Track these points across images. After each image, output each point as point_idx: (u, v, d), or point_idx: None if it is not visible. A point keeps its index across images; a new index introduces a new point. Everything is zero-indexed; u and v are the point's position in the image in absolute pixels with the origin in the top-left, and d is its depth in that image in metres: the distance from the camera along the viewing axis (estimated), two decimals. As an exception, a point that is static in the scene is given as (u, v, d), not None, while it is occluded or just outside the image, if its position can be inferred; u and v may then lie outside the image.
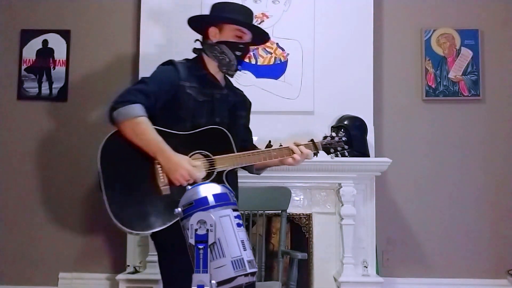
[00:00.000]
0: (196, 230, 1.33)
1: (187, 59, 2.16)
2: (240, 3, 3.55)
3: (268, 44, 3.54)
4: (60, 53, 3.79)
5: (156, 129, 1.91)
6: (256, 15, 3.54)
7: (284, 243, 2.77)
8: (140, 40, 3.61)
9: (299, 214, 3.41)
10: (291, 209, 3.19)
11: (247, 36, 2.12)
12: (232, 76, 2.17)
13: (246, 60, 3.58)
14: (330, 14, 3.58)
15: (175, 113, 1.99)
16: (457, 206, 3.67)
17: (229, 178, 1.97)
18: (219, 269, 1.32)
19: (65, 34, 3.80)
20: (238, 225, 1.38)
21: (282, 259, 2.76)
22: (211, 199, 1.40)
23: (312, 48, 3.54)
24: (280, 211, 2.74)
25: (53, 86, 3.78)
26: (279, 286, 2.80)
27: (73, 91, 3.79)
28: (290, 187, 2.90)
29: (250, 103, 2.31)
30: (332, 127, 3.34)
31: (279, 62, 3.55)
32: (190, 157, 1.92)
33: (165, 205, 1.85)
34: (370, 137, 3.41)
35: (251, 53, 3.58)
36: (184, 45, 3.55)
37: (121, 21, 3.80)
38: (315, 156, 2.14)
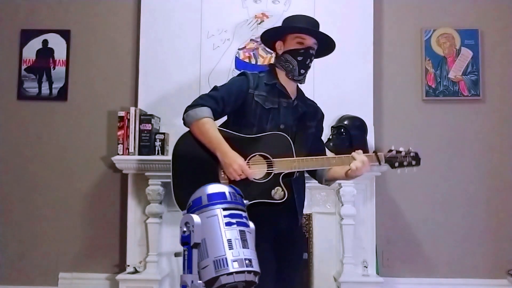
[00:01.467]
0: (184, 231, 1.39)
1: (261, 71, 2.32)
2: (240, 3, 3.61)
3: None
4: (60, 53, 3.79)
5: (222, 131, 2.10)
6: (256, 15, 3.56)
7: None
8: (140, 40, 3.61)
9: (299, 214, 3.40)
10: (291, 209, 3.18)
11: (309, 41, 2.22)
12: (300, 82, 2.29)
13: (246, 60, 3.59)
14: (330, 14, 3.57)
15: (244, 118, 2.17)
16: (457, 206, 3.67)
17: (289, 182, 2.09)
18: (204, 269, 1.35)
19: (65, 34, 3.80)
20: (228, 224, 1.39)
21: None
22: (204, 199, 1.44)
23: (312, 48, 3.53)
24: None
25: (53, 86, 3.78)
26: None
27: (73, 91, 3.79)
28: (290, 187, 2.89)
29: (322, 115, 2.43)
30: (332, 127, 3.36)
31: (279, 62, 3.55)
32: (250, 158, 2.07)
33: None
34: (370, 137, 3.42)
35: (251, 53, 3.58)
36: (184, 45, 3.59)
37: (121, 21, 3.80)
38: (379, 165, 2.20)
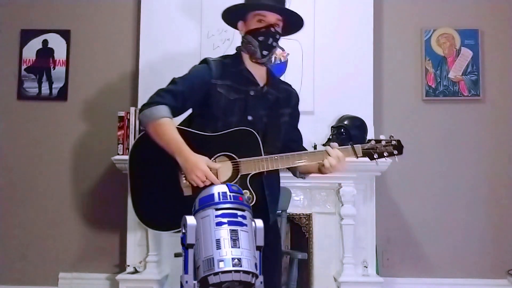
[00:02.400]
0: (183, 232, 1.40)
1: (226, 56, 2.12)
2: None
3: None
4: (60, 53, 3.79)
5: (182, 130, 1.92)
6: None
7: (284, 243, 2.77)
8: (140, 40, 3.61)
9: (299, 214, 3.41)
10: (291, 209, 3.18)
11: (270, 18, 2.01)
12: (265, 64, 2.08)
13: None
14: (330, 14, 3.58)
15: (208, 112, 1.98)
16: (457, 206, 3.67)
17: (260, 181, 1.93)
18: (198, 269, 1.36)
19: (65, 34, 3.80)
20: (219, 224, 1.38)
21: (282, 259, 2.76)
22: (199, 202, 1.45)
23: (312, 48, 3.53)
24: (280, 211, 2.73)
25: (53, 86, 3.78)
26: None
27: (73, 91, 3.79)
28: (290, 187, 2.89)
29: (297, 99, 2.21)
30: (332, 127, 3.36)
31: (279, 62, 3.55)
32: (215, 159, 1.90)
33: (187, 206, 1.83)
34: (370, 137, 3.41)
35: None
36: (184, 45, 3.58)
37: (121, 21, 3.80)
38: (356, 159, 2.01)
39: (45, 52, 3.79)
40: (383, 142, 2.00)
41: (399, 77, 3.75)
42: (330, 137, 3.36)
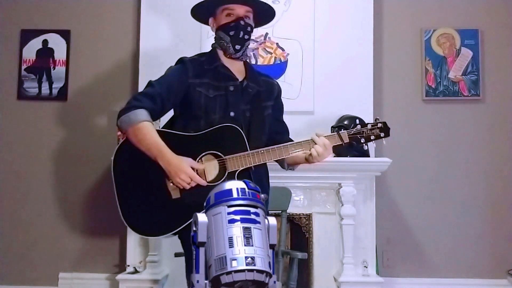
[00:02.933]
0: (193, 230, 1.36)
1: (201, 54, 2.10)
2: None
3: (268, 44, 3.55)
4: (60, 53, 3.79)
5: (164, 132, 1.90)
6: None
7: (284, 243, 2.77)
8: (140, 40, 3.61)
9: (299, 214, 3.41)
10: (291, 209, 3.18)
11: (238, 11, 1.98)
12: (240, 59, 2.04)
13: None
14: (330, 14, 3.58)
15: (189, 112, 1.96)
16: (457, 206, 3.67)
17: (247, 176, 1.90)
18: (210, 268, 1.32)
19: (65, 34, 3.80)
20: (231, 221, 1.34)
21: (282, 259, 2.76)
22: (212, 198, 1.40)
23: (312, 48, 3.54)
24: (280, 211, 2.74)
25: (53, 86, 3.78)
26: (279, 286, 2.80)
27: (73, 91, 3.79)
28: (290, 187, 2.89)
29: (278, 90, 2.17)
30: (332, 127, 3.36)
31: (279, 62, 3.55)
32: (201, 158, 1.88)
33: (177, 209, 1.85)
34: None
35: (251, 53, 3.57)
36: (184, 45, 3.58)
37: (121, 21, 3.80)
38: (343, 145, 1.97)
39: (45, 52, 3.79)
40: (369, 126, 1.96)
41: (399, 77, 3.74)
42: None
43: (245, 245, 1.31)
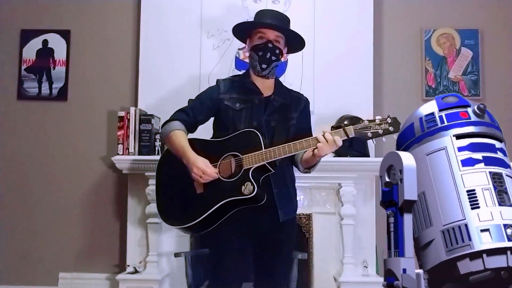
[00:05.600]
0: (385, 183, 0.84)
1: (238, 74, 2.39)
2: (240, 3, 3.61)
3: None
4: (60, 53, 3.79)
5: (194, 139, 2.17)
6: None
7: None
8: (140, 40, 3.61)
9: (299, 214, 3.40)
10: (291, 209, 3.18)
11: (269, 35, 2.19)
12: (266, 77, 2.24)
13: (246, 60, 3.59)
14: (330, 14, 3.58)
15: (220, 123, 2.24)
16: (457, 206, 3.66)
17: (268, 178, 2.09)
18: (427, 249, 0.78)
19: (65, 34, 3.80)
20: (468, 162, 0.79)
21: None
22: (417, 126, 0.86)
23: (312, 48, 3.53)
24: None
25: (53, 86, 3.78)
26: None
27: (73, 91, 3.79)
28: (290, 187, 2.89)
29: (305, 104, 2.34)
30: (332, 127, 3.35)
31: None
32: (223, 159, 2.09)
33: (200, 202, 2.07)
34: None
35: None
36: (184, 45, 3.59)
37: (121, 21, 3.80)
38: (348, 140, 2.01)
39: (45, 52, 3.79)
40: (377, 121, 1.95)
41: (399, 77, 3.75)
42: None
43: (499, 204, 0.79)
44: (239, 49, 3.59)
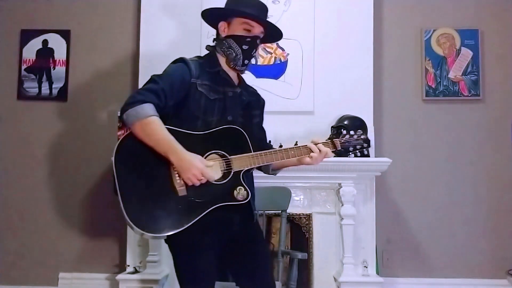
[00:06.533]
0: None
1: (199, 56, 2.11)
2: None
3: (268, 44, 3.54)
4: (60, 53, 3.79)
5: (169, 129, 1.87)
6: (256, 15, 3.55)
7: (284, 243, 2.77)
8: (140, 40, 3.61)
9: (299, 214, 3.41)
10: (291, 209, 3.19)
11: (257, 30, 2.04)
12: (241, 72, 2.12)
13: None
14: (330, 14, 3.58)
15: (187, 111, 1.96)
16: (457, 206, 3.67)
17: (245, 179, 1.94)
18: None
19: (65, 34, 3.80)
20: None
21: (282, 259, 2.76)
22: None
23: (312, 48, 3.53)
24: (280, 211, 2.74)
25: (53, 86, 3.78)
26: (279, 286, 2.80)
27: (73, 91, 3.79)
28: (290, 187, 2.90)
29: (263, 102, 2.25)
30: (332, 127, 3.36)
31: (279, 62, 3.55)
32: (206, 157, 1.89)
33: (183, 206, 1.84)
34: (370, 137, 3.40)
35: (251, 53, 3.57)
36: (184, 45, 3.58)
37: (121, 21, 3.80)
38: (334, 154, 2.08)
39: (45, 52, 3.79)
40: (355, 136, 2.08)
41: (399, 77, 3.75)
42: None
43: None
44: (239, 49, 3.58)
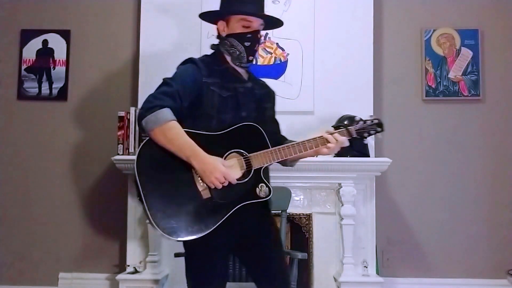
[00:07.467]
0: None
1: (206, 55, 2.11)
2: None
3: (268, 44, 3.55)
4: (60, 53, 3.79)
5: (187, 131, 1.87)
6: (256, 15, 3.55)
7: (284, 243, 2.77)
8: (140, 40, 3.61)
9: (299, 214, 3.41)
10: (291, 209, 3.19)
11: (255, 24, 2.03)
12: (248, 68, 2.11)
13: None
14: (330, 14, 3.58)
15: (201, 111, 1.95)
16: (457, 206, 3.67)
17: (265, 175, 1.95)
18: None
19: (65, 34, 3.80)
20: None
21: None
22: None
23: (312, 48, 3.54)
24: (280, 211, 2.74)
25: (53, 86, 3.78)
26: (279, 286, 2.80)
27: (73, 91, 3.79)
28: (290, 187, 2.90)
29: (274, 94, 2.24)
30: (332, 127, 3.35)
31: (279, 62, 3.56)
32: (225, 157, 1.90)
33: (207, 209, 1.85)
34: (370, 137, 3.41)
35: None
36: (184, 45, 3.58)
37: (121, 21, 3.80)
38: (349, 143, 2.07)
39: (45, 52, 3.79)
40: (369, 122, 2.07)
41: (399, 77, 3.75)
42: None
43: None
44: (239, 49, 3.58)
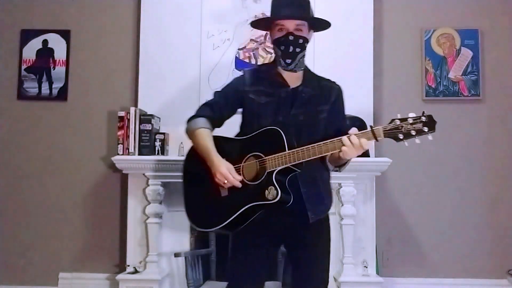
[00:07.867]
0: None
1: (265, 63, 2.28)
2: (240, 3, 3.61)
3: (268, 44, 3.55)
4: (60, 53, 3.79)
5: (217, 137, 2.07)
6: (256, 15, 3.55)
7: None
8: (140, 40, 3.62)
9: (299, 214, 3.40)
10: (291, 209, 3.18)
11: (288, 25, 2.03)
12: (292, 71, 2.10)
13: (246, 60, 3.59)
14: (330, 14, 3.55)
15: (245, 117, 2.13)
16: (457, 206, 3.67)
17: (295, 178, 1.97)
18: None
19: (65, 34, 3.80)
20: None
21: (282, 259, 2.76)
22: None
23: (312, 48, 3.53)
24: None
25: (53, 86, 3.78)
26: (279, 286, 2.81)
27: (73, 91, 3.79)
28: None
29: (338, 94, 2.15)
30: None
31: (279, 62, 3.55)
32: (245, 160, 1.99)
33: (224, 205, 1.99)
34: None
35: (251, 53, 3.58)
36: (184, 45, 3.59)
37: (121, 21, 3.80)
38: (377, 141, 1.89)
39: (45, 52, 3.80)
40: (410, 120, 1.79)
41: (399, 77, 3.75)
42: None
43: None
44: (239, 49, 3.59)
